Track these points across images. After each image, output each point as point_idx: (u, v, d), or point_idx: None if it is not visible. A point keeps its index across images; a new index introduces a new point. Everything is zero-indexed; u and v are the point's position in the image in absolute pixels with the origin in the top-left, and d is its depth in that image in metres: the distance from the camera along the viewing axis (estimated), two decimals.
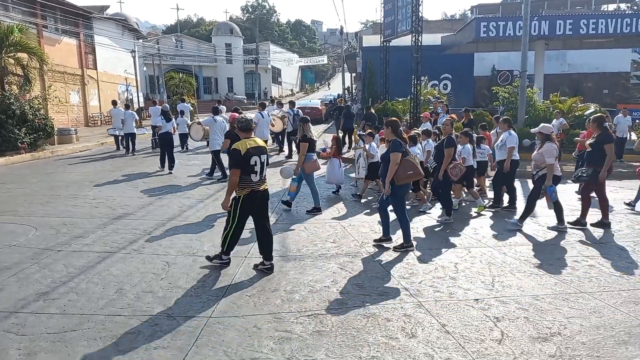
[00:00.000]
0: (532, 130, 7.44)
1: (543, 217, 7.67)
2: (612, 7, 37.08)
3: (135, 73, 29.95)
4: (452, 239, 6.43)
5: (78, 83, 24.38)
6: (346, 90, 41.65)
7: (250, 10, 76.92)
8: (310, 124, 8.11)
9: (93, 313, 4.05)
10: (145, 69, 41.38)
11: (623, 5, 37.70)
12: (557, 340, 3.71)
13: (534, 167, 7.03)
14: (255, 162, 4.88)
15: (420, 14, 17.13)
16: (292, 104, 15.77)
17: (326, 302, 4.37)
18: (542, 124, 7.13)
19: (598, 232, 6.83)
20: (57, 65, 21.08)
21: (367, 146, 8.96)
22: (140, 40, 34.76)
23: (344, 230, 6.85)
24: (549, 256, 5.75)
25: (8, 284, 4.66)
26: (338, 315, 4.10)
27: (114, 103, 17.48)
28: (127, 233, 6.45)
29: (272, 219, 7.39)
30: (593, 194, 7.25)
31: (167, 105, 13.71)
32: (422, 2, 17.02)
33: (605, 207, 7.19)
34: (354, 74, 45.72)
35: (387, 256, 5.67)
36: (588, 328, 3.91)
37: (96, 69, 26.07)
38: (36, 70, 16.77)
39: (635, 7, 36.30)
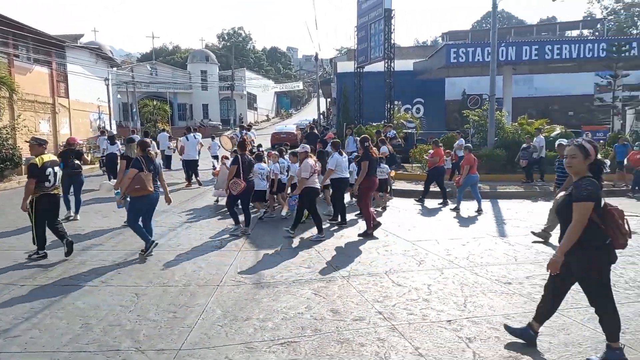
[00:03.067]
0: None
1: (513, 237, 7.83)
2: (575, 32, 38.83)
3: (108, 101, 29.69)
4: (425, 260, 6.48)
5: (49, 112, 23.96)
6: (321, 115, 42.12)
7: (226, 37, 77.65)
8: (134, 144, 7.96)
9: (56, 350, 3.91)
10: (119, 96, 41.05)
11: (586, 31, 39.52)
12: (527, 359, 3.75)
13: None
14: (49, 172, 6.31)
15: (392, 41, 17.65)
16: (242, 127, 17.95)
17: (300, 329, 4.32)
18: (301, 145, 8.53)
19: None
20: (27, 94, 20.71)
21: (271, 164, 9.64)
22: (114, 68, 34.58)
23: (319, 254, 6.84)
24: (519, 275, 5.84)
25: None
26: (312, 342, 4.06)
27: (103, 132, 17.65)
28: (94, 264, 6.28)
29: (246, 244, 7.34)
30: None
31: (113, 132, 14.33)
32: (394, 29, 17.55)
33: (366, 219, 7.99)
34: (329, 99, 46.37)
35: (362, 280, 5.67)
36: (556, 345, 3.97)
37: (68, 97, 25.71)
38: (5, 100, 16.46)
39: (597, 33, 38.11)
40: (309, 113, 58.82)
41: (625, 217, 3.52)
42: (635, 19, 51.85)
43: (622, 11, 53.47)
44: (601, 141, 14.95)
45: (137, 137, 11.45)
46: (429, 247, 7.16)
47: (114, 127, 29.79)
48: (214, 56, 54.73)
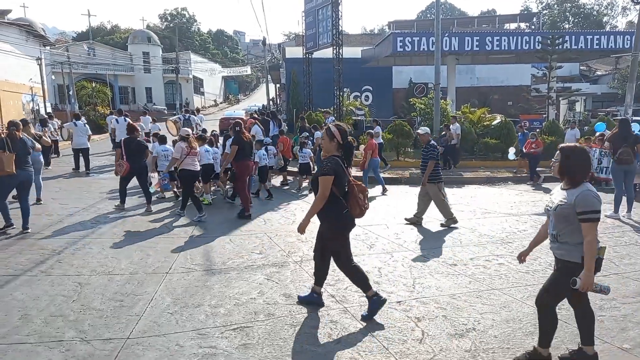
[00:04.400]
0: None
1: (462, 221, 8.16)
2: (513, 25, 40.60)
3: (42, 82, 27.82)
4: (375, 244, 6.62)
5: None
6: (271, 101, 41.69)
7: (169, 18, 74.58)
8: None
9: None
10: (53, 77, 38.55)
11: (523, 25, 41.41)
12: (472, 336, 3.94)
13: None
14: None
15: (340, 28, 17.65)
16: (187, 111, 18.23)
17: (253, 314, 4.31)
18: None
19: (507, 233, 7.37)
20: None
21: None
22: (48, 47, 32.36)
23: (271, 240, 6.81)
24: (464, 257, 6.11)
25: None
26: (265, 326, 4.05)
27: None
28: (33, 253, 5.93)
29: (196, 232, 7.20)
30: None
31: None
32: (341, 16, 17.55)
33: (243, 201, 8.37)
34: (278, 85, 45.93)
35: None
36: (499, 322, 4.20)
37: None
38: None
39: (533, 27, 40.05)
40: (258, 99, 58.05)
41: (366, 192, 4.30)
42: (567, 14, 54.95)
43: (555, 6, 56.49)
44: (537, 129, 15.77)
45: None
46: (379, 232, 7.33)
47: (49, 109, 27.98)
48: (156, 37, 52.52)
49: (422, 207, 8.02)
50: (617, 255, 6.22)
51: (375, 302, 4.24)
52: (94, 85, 33.00)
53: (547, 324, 3.45)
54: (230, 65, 67.84)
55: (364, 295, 4.33)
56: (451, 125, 14.65)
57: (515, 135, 15.37)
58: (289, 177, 12.35)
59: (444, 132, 14.48)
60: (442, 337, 3.91)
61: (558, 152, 3.33)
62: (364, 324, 4.12)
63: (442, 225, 7.85)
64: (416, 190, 11.25)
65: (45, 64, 29.51)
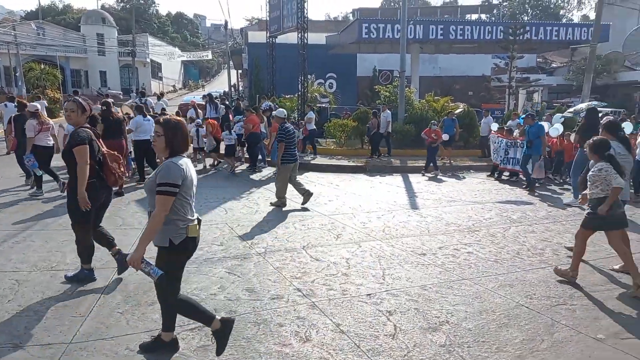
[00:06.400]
0: None
1: (424, 209, 8.04)
2: (474, 16, 41.11)
3: None
4: (342, 234, 6.38)
5: None
6: (232, 87, 40.71)
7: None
8: None
9: None
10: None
11: (484, 16, 42.05)
12: (445, 329, 3.76)
13: None
14: None
15: (305, 11, 17.19)
16: (142, 94, 17.89)
17: (213, 311, 3.94)
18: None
19: (473, 221, 7.30)
20: None
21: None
22: None
23: (232, 231, 6.45)
24: (433, 246, 5.96)
25: None
26: None
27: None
28: None
29: (143, 221, 6.72)
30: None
31: None
32: None
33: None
34: (240, 71, 44.86)
35: (279, 256, 5.41)
36: (472, 314, 4.04)
37: None
38: None
39: (494, 18, 40.74)
40: (220, 85, 56.60)
41: (120, 160, 4.57)
42: (527, 6, 56.38)
43: None
44: (499, 119, 15.96)
45: None
46: (345, 221, 7.09)
47: None
48: (111, 18, 50.09)
49: (297, 187, 8.10)
50: None
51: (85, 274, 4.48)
52: (42, 67, 31.07)
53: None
54: (190, 49, 65.77)
55: (319, 284, 4.08)
56: (382, 113, 13.94)
57: (478, 124, 15.47)
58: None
59: (371, 120, 14.02)
60: (416, 332, 3.71)
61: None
62: (334, 319, 3.86)
63: (271, 204, 7.99)
64: (379, 179, 11.21)
65: None
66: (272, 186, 9.03)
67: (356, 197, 9.04)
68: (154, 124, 9.61)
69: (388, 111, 14.15)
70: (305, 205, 7.98)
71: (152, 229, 2.94)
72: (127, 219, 6.91)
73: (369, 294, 4.40)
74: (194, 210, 3.27)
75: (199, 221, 3.24)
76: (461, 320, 3.92)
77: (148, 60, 50.79)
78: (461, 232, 6.67)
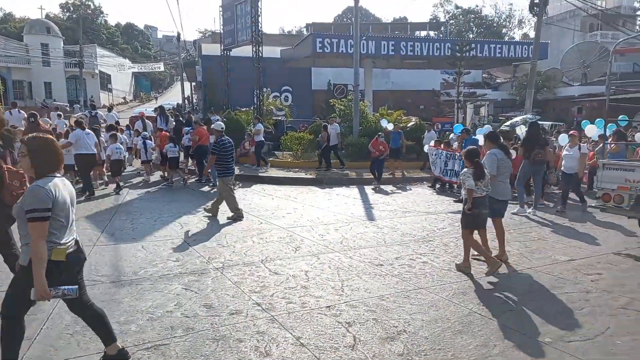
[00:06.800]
0: None
1: (380, 220, 8.20)
2: (423, 33, 42.68)
3: None
4: (301, 247, 6.40)
5: None
6: (186, 100, 40.04)
7: (72, 9, 68.79)
8: None
9: None
10: None
11: (432, 33, 43.73)
12: (403, 338, 3.84)
13: None
14: None
15: (260, 25, 17.27)
16: (93, 106, 17.85)
17: (169, 329, 3.87)
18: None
19: (427, 231, 7.51)
20: None
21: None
22: None
23: (188, 246, 6.32)
24: (390, 256, 6.08)
25: None
26: (183, 343, 3.65)
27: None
28: None
29: (102, 238, 6.49)
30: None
31: None
32: (261, 12, 17.19)
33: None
34: (193, 83, 44.22)
35: (237, 271, 5.35)
36: (428, 322, 4.15)
37: None
38: None
39: (441, 35, 42.42)
40: (174, 96, 55.48)
41: (23, 179, 4.08)
42: (472, 24, 59.17)
43: (461, 17, 60.61)
44: (447, 132, 16.53)
45: None
46: (303, 233, 7.11)
47: None
48: (57, 28, 48.14)
49: (229, 201, 8.03)
50: (528, 250, 6.57)
51: None
52: None
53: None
54: (141, 61, 64.18)
55: (279, 297, 4.08)
56: (329, 126, 14.14)
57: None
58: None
59: (321, 134, 14.20)
60: (374, 342, 3.77)
61: None
62: (294, 333, 3.87)
63: (228, 218, 7.96)
64: (337, 190, 11.35)
65: None
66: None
67: (314, 209, 9.10)
68: (94, 137, 9.57)
69: (336, 124, 14.46)
70: (268, 220, 7.96)
71: (38, 257, 2.76)
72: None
73: (329, 306, 4.43)
74: (74, 231, 3.12)
75: (77, 243, 3.10)
76: (418, 329, 4.01)
77: (97, 71, 49.16)
78: (416, 242, 6.85)
